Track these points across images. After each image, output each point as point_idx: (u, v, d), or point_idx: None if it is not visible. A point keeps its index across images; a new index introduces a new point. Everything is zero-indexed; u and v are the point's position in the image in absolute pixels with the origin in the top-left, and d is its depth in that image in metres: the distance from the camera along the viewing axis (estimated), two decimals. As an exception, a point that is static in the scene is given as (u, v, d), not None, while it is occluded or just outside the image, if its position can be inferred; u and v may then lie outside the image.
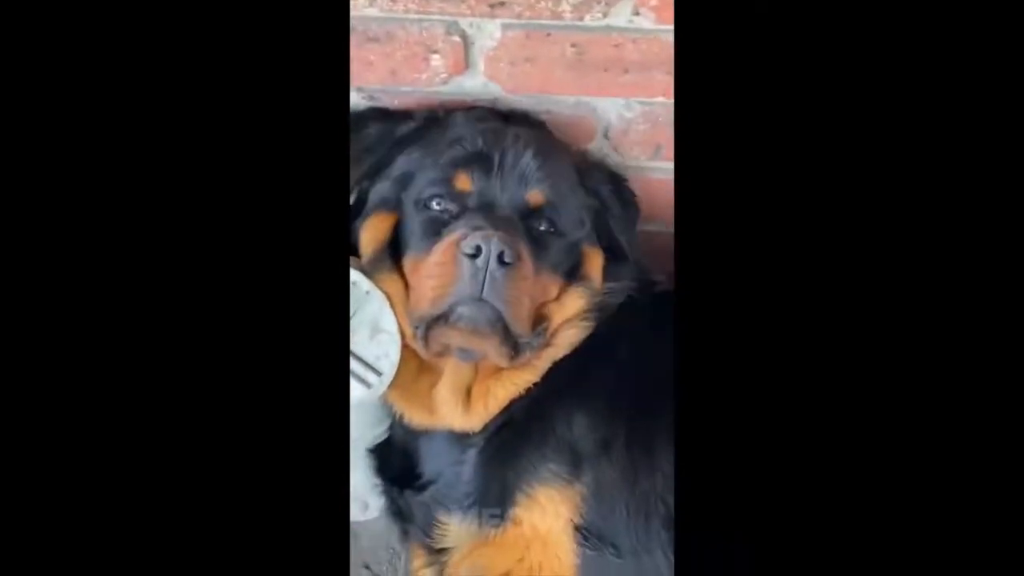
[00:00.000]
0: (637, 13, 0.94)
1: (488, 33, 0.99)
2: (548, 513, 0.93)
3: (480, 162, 0.94)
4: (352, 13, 0.96)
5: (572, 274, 0.97)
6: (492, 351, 0.90)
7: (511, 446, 0.95)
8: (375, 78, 1.04)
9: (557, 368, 0.96)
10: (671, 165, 1.11)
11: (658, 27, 0.98)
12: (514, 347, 0.90)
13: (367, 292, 0.91)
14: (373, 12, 0.95)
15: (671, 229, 1.10)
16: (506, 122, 1.02)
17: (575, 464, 0.92)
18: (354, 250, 0.98)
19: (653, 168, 1.11)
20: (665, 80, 1.02)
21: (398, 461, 1.04)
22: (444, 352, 0.92)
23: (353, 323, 0.91)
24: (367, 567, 1.16)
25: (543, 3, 0.95)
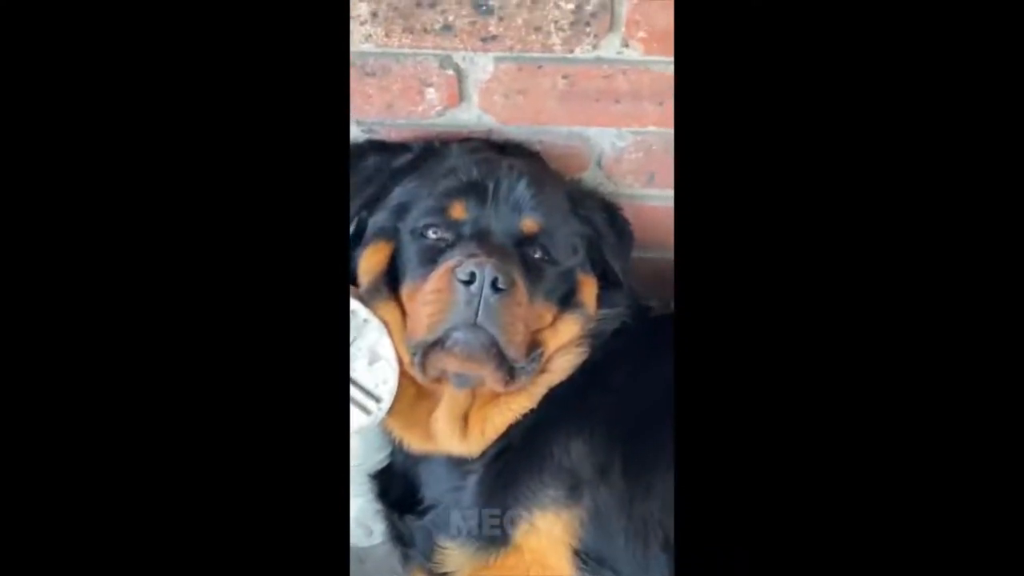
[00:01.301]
0: (626, 45, 0.96)
1: (481, 66, 1.01)
2: (546, 537, 0.93)
3: (475, 191, 0.96)
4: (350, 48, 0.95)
5: (566, 301, 0.98)
6: (488, 376, 0.91)
7: (509, 471, 0.95)
8: (373, 111, 1.05)
9: (553, 394, 0.97)
10: (664, 192, 1.13)
11: (647, 58, 0.99)
12: (510, 372, 0.91)
13: (365, 320, 0.91)
14: (369, 47, 0.97)
15: (665, 255, 1.14)
16: (500, 152, 1.04)
17: (573, 489, 0.92)
18: (352, 279, 0.99)
19: (646, 196, 1.13)
20: (656, 110, 1.04)
21: (399, 486, 1.04)
22: (441, 378, 0.93)
23: (352, 351, 0.91)
24: None
25: (534, 36, 0.97)
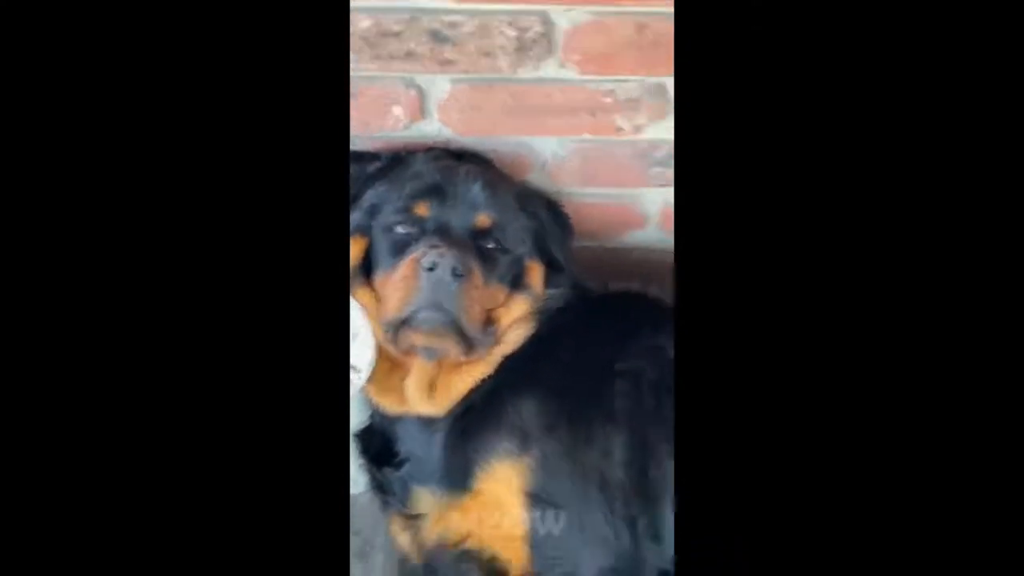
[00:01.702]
0: (563, 66, 1.08)
1: (440, 87, 1.11)
2: (502, 482, 1.03)
3: (436, 193, 1.05)
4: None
5: (516, 284, 1.08)
6: (451, 349, 1.01)
7: (470, 428, 1.06)
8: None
9: (507, 362, 1.07)
10: (600, 191, 1.24)
11: (582, 77, 1.10)
12: (469, 345, 1.01)
13: None
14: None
15: (601, 244, 1.28)
16: (458, 160, 1.13)
17: (524, 441, 1.03)
18: None
19: (584, 194, 1.23)
20: (590, 120, 1.14)
21: (378, 443, 1.13)
22: (411, 351, 1.03)
23: None
24: (356, 533, 1.25)
25: (485, 60, 1.07)
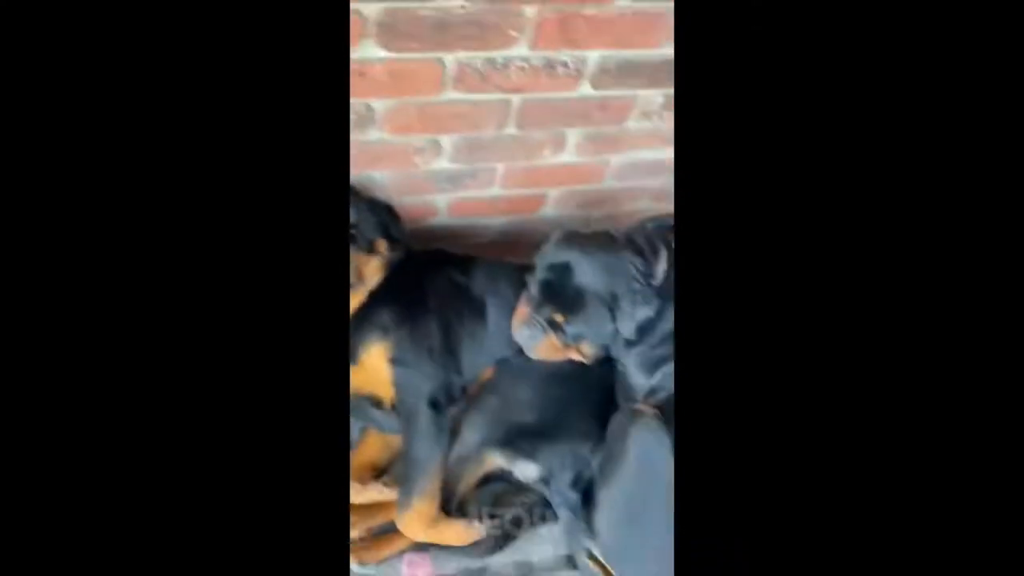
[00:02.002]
0: (382, 132, 1.40)
1: None
2: (375, 355, 1.38)
3: None
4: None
5: (371, 251, 1.42)
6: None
7: (356, 329, 1.39)
8: None
9: (372, 293, 1.42)
10: (408, 198, 1.55)
11: (391, 137, 1.42)
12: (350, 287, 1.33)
13: None
14: None
15: (413, 225, 1.58)
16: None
17: (385, 332, 1.39)
18: None
19: (404, 201, 1.57)
20: (404, 160, 1.48)
21: None
22: None
23: None
24: None
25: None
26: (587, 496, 1.36)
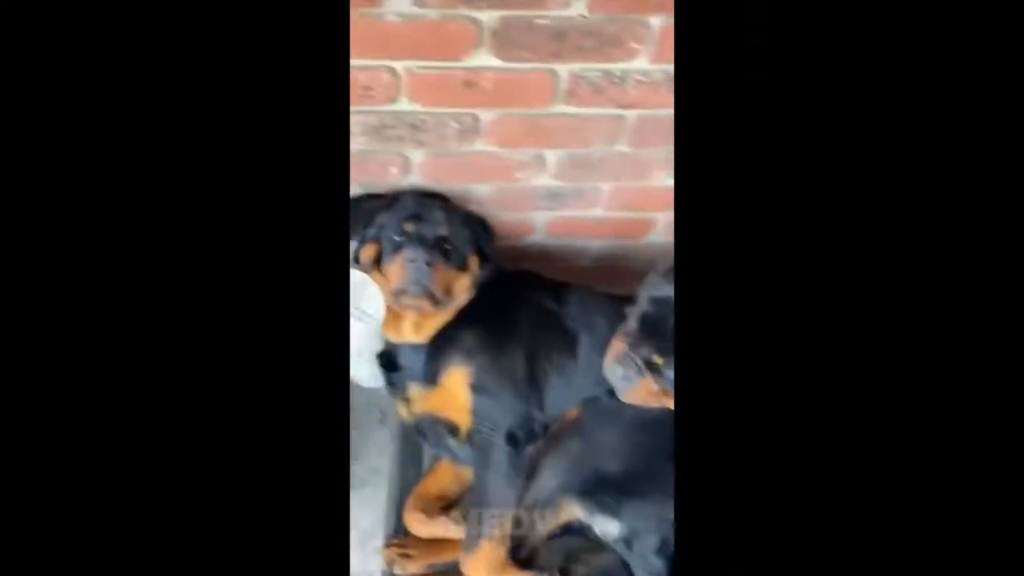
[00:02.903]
0: (486, 143, 1.36)
1: (417, 156, 1.41)
2: (456, 379, 1.36)
3: (416, 217, 1.36)
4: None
5: (463, 267, 1.39)
6: (426, 306, 1.33)
7: (438, 349, 1.38)
8: (363, 179, 1.44)
9: (458, 313, 1.39)
10: (508, 214, 1.53)
11: (495, 149, 1.36)
12: (436, 303, 1.33)
13: (366, 281, 1.36)
14: (360, 147, 1.35)
15: (510, 244, 1.57)
16: (428, 198, 1.41)
17: (468, 356, 1.36)
18: (357, 262, 1.40)
19: (499, 216, 1.55)
20: (502, 173, 1.43)
21: (388, 359, 1.46)
22: (405, 307, 1.34)
23: (364, 296, 1.35)
24: (379, 408, 1.59)
25: (441, 140, 1.35)
26: (673, 566, 1.22)
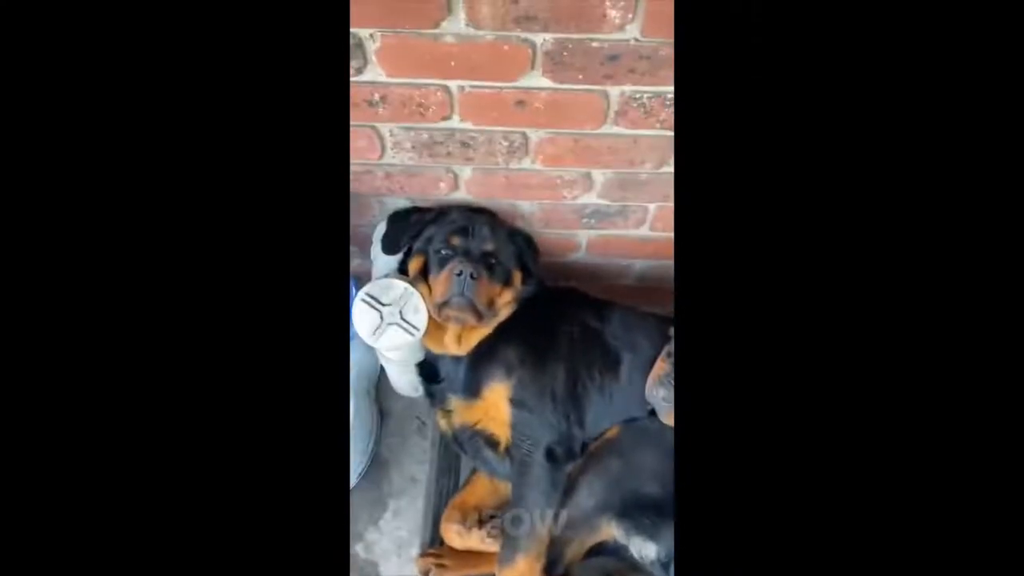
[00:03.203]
0: (533, 162, 1.36)
1: (465, 173, 1.42)
2: (497, 393, 1.35)
3: (463, 231, 1.37)
4: (385, 161, 1.34)
5: (507, 282, 1.40)
6: (469, 318, 1.33)
7: (480, 362, 1.38)
8: (413, 192, 1.47)
9: (501, 326, 1.39)
10: (553, 231, 1.54)
11: (543, 168, 1.37)
12: (479, 316, 1.33)
13: (411, 290, 1.33)
14: (400, 160, 1.35)
15: (553, 260, 1.59)
16: (476, 213, 1.43)
17: (509, 370, 1.35)
18: (404, 272, 1.42)
19: (544, 232, 1.57)
20: (547, 192, 1.44)
21: (429, 369, 1.47)
22: (448, 319, 1.34)
23: (408, 306, 1.33)
24: (418, 417, 1.62)
25: (490, 157, 1.35)
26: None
